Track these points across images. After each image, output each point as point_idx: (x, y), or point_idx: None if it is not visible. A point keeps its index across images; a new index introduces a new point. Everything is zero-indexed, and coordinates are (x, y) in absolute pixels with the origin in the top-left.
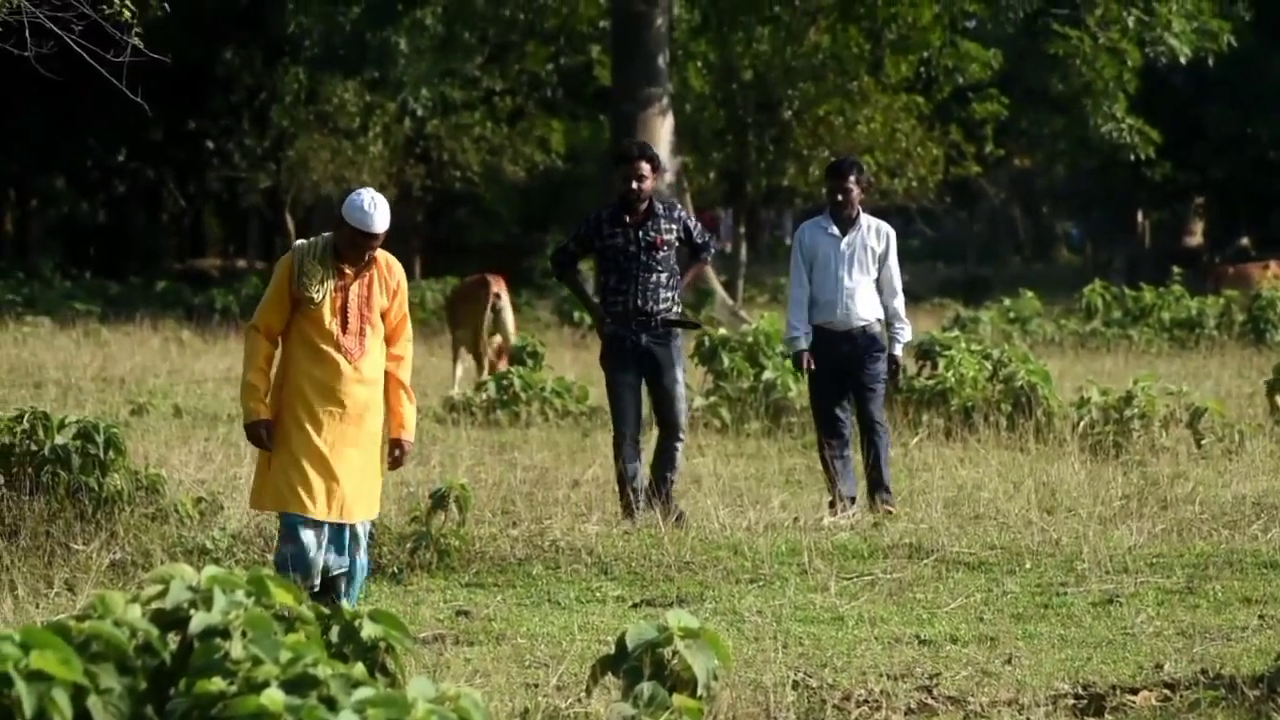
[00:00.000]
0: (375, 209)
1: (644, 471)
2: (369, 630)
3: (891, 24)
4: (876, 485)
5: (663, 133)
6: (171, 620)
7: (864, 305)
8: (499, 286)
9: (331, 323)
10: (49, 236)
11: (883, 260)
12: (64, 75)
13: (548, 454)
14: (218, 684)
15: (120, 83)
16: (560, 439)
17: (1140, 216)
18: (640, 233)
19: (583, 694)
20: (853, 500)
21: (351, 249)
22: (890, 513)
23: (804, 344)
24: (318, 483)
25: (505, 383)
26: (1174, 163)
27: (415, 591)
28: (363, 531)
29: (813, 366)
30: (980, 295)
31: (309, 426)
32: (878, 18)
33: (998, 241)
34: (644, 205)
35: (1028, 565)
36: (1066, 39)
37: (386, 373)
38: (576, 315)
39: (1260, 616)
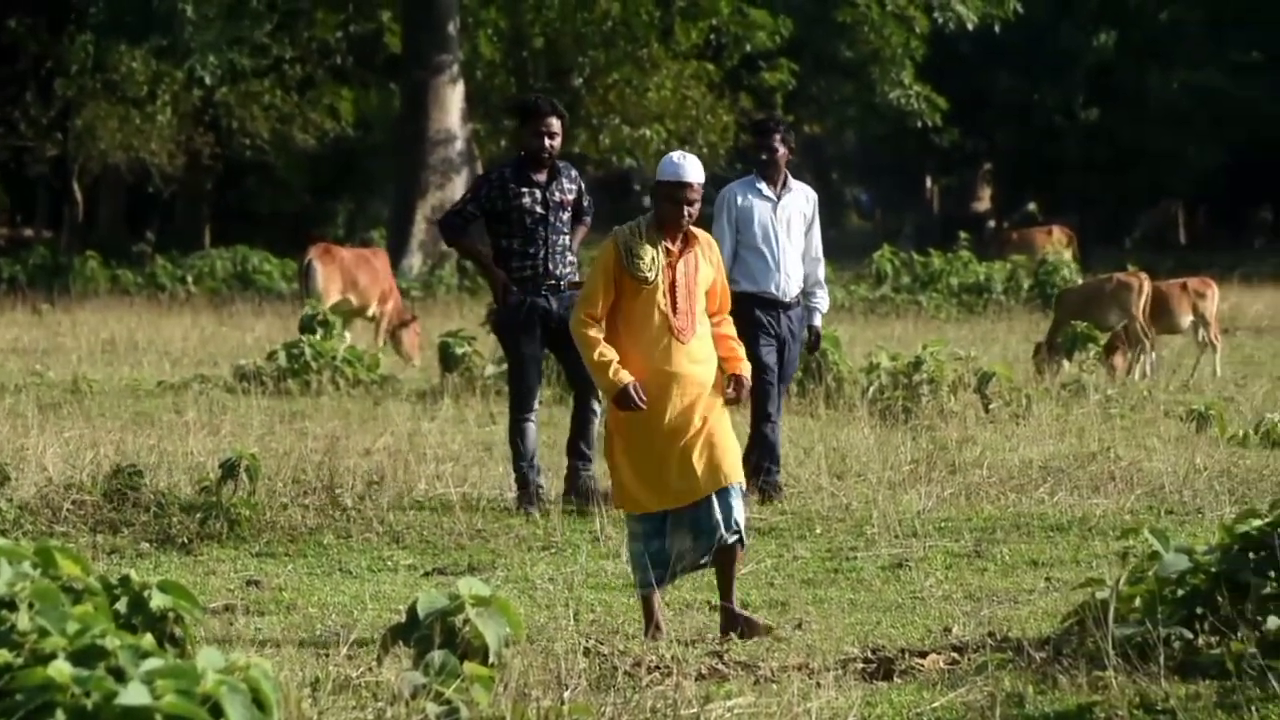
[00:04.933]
0: (685, 160)
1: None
2: (158, 601)
3: None
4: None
5: (453, 100)
6: None
7: (797, 273)
8: (312, 253)
9: (664, 304)
10: None
11: (809, 225)
12: None
13: (339, 423)
14: (4, 656)
15: None
16: (352, 407)
17: (929, 182)
18: (547, 193)
19: (374, 663)
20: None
21: (671, 207)
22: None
23: None
24: (655, 479)
25: (296, 351)
26: (962, 129)
27: (205, 561)
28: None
29: None
30: None
31: (650, 421)
32: None
33: None
34: (550, 164)
35: (818, 530)
36: (855, 6)
37: (716, 334)
38: None
39: (1046, 579)
